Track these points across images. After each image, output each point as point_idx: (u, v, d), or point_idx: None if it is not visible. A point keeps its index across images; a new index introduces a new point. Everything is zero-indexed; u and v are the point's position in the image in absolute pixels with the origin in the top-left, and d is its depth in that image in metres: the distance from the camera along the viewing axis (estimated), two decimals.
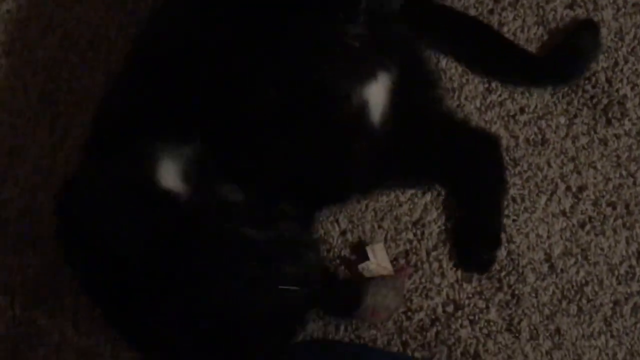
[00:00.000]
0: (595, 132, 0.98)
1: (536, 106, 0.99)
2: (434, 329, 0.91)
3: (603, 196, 0.96)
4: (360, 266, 0.92)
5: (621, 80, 1.00)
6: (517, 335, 0.91)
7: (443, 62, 1.02)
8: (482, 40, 1.02)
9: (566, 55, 1.01)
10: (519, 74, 1.01)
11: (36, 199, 0.99)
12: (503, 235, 0.94)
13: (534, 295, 0.92)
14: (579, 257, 0.93)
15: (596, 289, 0.92)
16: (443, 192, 0.97)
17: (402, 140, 0.90)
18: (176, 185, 0.81)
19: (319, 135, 0.86)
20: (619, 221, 0.95)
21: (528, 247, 0.94)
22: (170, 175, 0.81)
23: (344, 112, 0.86)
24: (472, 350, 0.90)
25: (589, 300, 0.92)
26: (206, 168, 0.82)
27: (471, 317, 0.92)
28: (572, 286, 0.92)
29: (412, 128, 0.91)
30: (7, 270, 0.96)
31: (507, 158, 0.97)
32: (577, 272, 0.93)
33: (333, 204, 0.95)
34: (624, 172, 0.97)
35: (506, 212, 0.95)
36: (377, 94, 0.87)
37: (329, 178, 0.89)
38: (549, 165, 0.97)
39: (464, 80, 1.01)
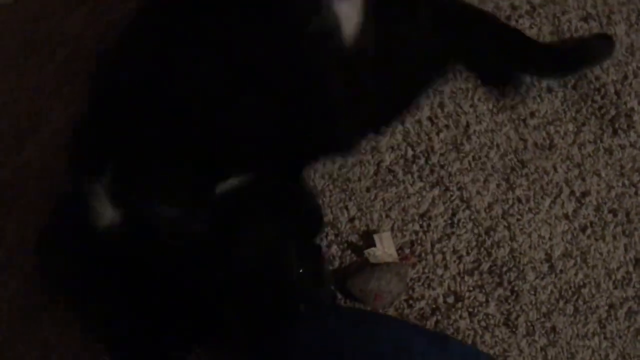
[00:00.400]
0: (602, 141, 1.01)
1: (546, 112, 1.03)
2: (434, 318, 0.94)
3: (605, 203, 0.99)
4: (366, 251, 0.95)
5: (629, 94, 1.03)
6: (513, 330, 0.93)
7: None
8: (486, 25, 1.03)
9: (572, 49, 1.04)
10: (522, 60, 1.03)
11: (56, 161, 1.00)
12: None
13: (532, 292, 0.94)
14: (579, 259, 0.96)
15: (593, 291, 0.95)
16: (451, 188, 0.99)
17: (385, 63, 0.90)
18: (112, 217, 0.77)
19: (288, 52, 0.82)
20: (619, 228, 0.98)
21: (530, 246, 0.96)
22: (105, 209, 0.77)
23: (314, 26, 0.83)
24: (469, 341, 0.92)
25: (585, 302, 0.94)
26: (133, 189, 0.78)
27: (470, 310, 0.94)
28: (570, 287, 0.95)
29: (397, 49, 0.92)
30: (24, 229, 0.98)
31: (515, 160, 1.00)
32: (576, 274, 0.95)
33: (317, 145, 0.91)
34: (626, 182, 1.00)
35: (511, 211, 0.98)
36: (348, 10, 0.85)
37: (307, 108, 0.85)
38: (555, 170, 1.00)
39: (479, 82, 1.04)
